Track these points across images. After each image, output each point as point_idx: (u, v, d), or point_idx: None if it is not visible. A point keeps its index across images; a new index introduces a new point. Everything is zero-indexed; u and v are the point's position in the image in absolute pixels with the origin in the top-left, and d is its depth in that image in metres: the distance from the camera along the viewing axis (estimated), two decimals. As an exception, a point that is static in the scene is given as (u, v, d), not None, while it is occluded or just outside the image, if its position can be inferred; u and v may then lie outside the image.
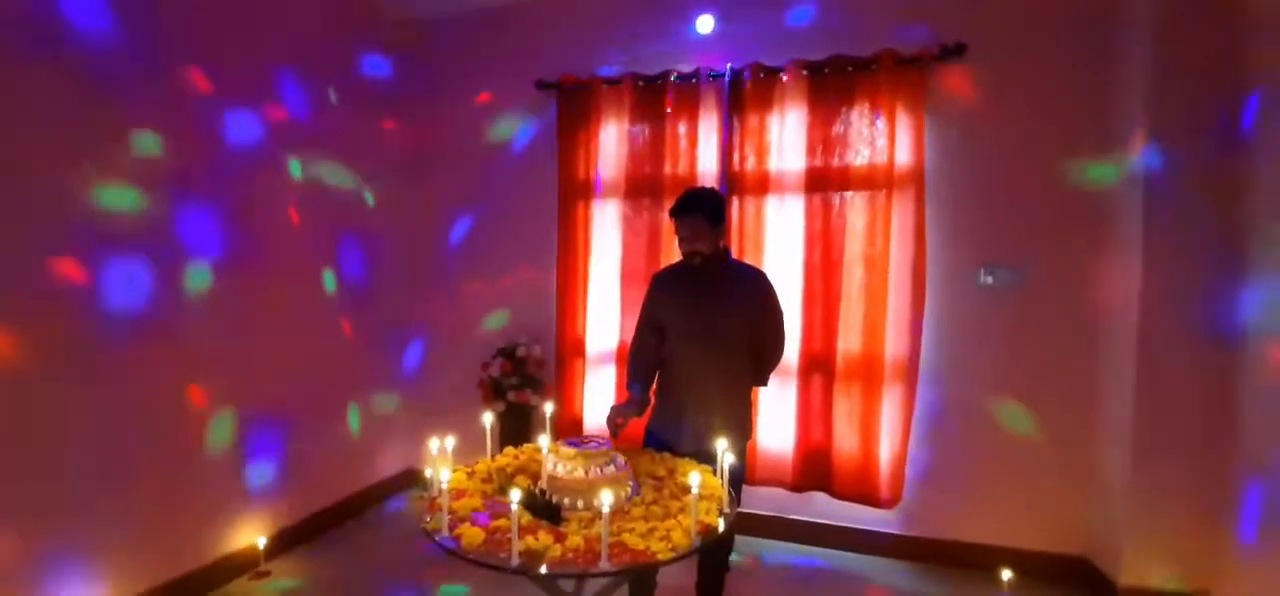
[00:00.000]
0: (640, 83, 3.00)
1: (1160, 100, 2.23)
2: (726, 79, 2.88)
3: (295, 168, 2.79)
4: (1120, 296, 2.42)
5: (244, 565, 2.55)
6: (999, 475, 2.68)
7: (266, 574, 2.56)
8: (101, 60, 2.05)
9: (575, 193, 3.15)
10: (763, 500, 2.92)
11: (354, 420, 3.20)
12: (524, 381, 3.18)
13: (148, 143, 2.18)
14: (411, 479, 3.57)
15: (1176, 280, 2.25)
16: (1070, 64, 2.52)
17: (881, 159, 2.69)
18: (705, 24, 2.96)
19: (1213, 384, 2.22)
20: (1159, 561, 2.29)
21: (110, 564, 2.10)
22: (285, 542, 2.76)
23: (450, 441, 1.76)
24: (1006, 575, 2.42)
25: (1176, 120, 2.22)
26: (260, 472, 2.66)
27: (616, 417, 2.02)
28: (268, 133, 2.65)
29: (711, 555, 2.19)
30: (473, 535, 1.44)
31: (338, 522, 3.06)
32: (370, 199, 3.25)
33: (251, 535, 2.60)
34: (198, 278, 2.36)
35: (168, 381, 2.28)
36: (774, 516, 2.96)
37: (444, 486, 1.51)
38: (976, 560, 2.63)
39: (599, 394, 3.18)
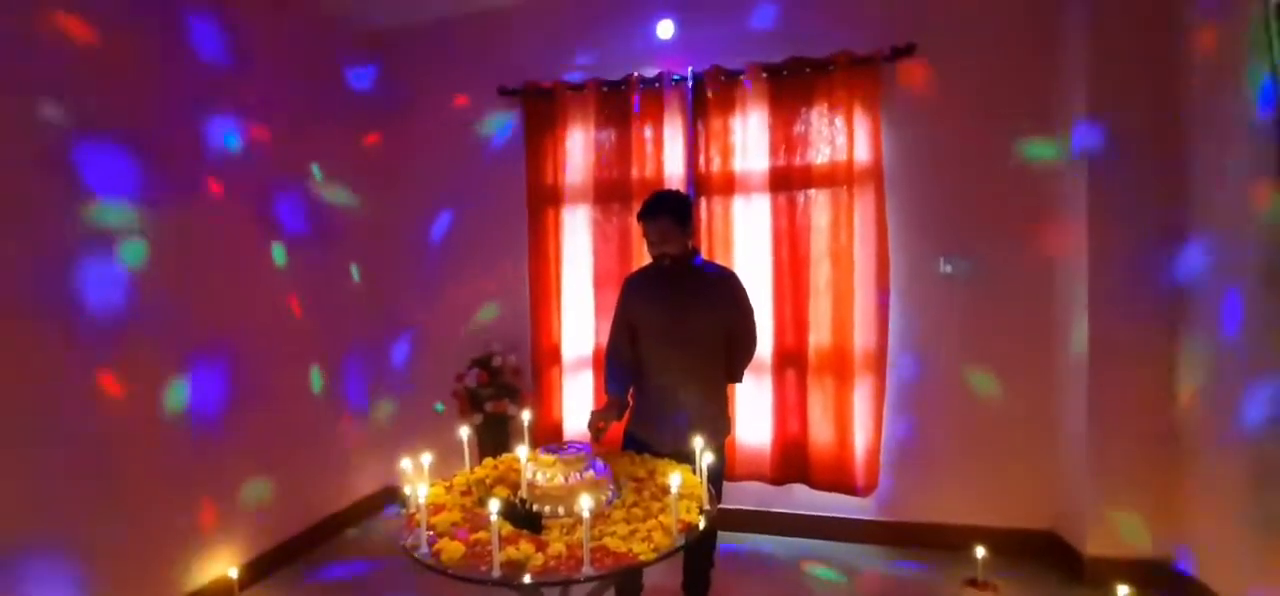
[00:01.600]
0: (604, 88, 3.02)
1: (1099, 75, 2.36)
2: (689, 83, 2.92)
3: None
4: (1072, 273, 2.54)
5: (218, 595, 2.48)
6: (968, 457, 2.78)
7: (240, 605, 2.49)
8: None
9: (544, 199, 3.15)
10: (744, 494, 2.96)
11: (325, 416, 3.11)
12: (501, 391, 3.16)
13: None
14: (391, 497, 3.50)
15: (1122, 250, 2.38)
16: (1015, 54, 2.65)
17: (841, 157, 2.77)
18: (665, 29, 3.00)
19: (1163, 362, 2.35)
20: (1121, 531, 2.41)
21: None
22: (261, 569, 2.68)
23: (426, 458, 1.75)
24: (980, 553, 2.50)
25: (1115, 94, 2.34)
26: (230, 498, 2.57)
27: (597, 422, 2.04)
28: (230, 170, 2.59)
29: (696, 552, 2.22)
30: (453, 549, 1.43)
31: (315, 545, 2.98)
32: (329, 196, 3.17)
33: (224, 565, 2.52)
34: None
35: (131, 397, 2.20)
36: (756, 510, 3.00)
37: (421, 502, 1.49)
38: (951, 540, 2.72)
39: (577, 399, 3.18)
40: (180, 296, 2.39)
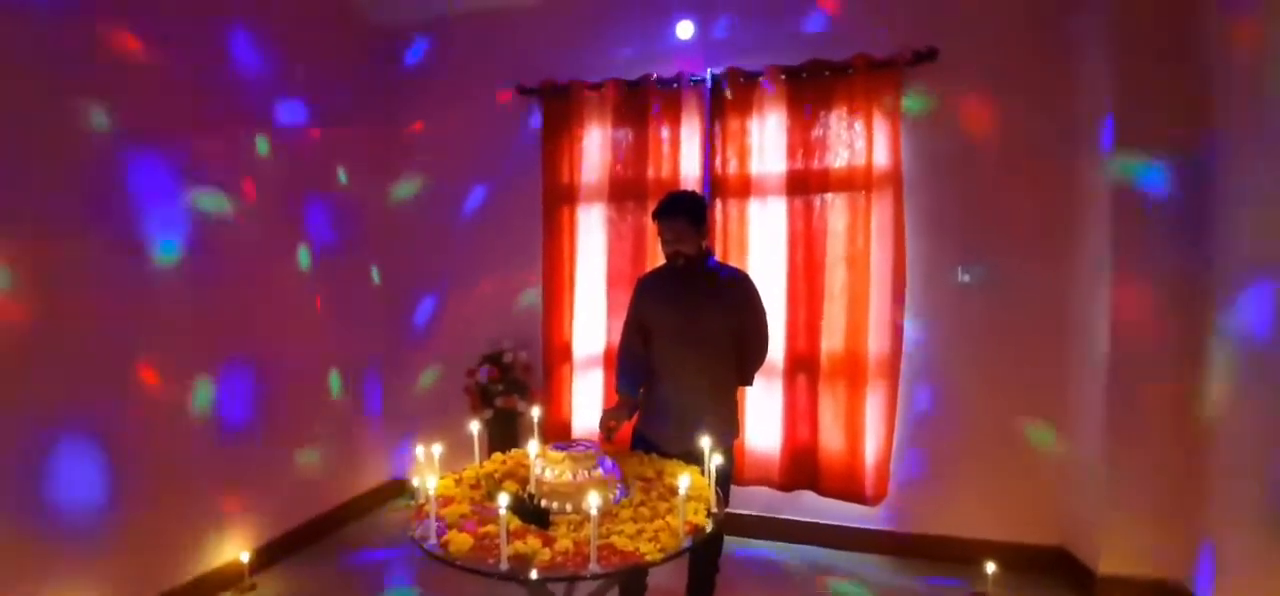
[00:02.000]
0: (622, 87, 3.02)
1: (1124, 94, 2.31)
2: (707, 84, 2.92)
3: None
4: (1092, 290, 2.49)
5: (228, 580, 2.51)
6: (979, 469, 2.73)
7: (252, 588, 2.52)
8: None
9: (560, 197, 3.16)
10: (752, 499, 2.95)
11: (339, 409, 3.16)
12: (511, 387, 3.18)
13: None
14: (398, 489, 3.54)
15: (1147, 273, 2.32)
16: (1037, 65, 2.60)
17: (860, 161, 2.74)
18: (685, 30, 3.00)
19: (1185, 375, 2.29)
20: (1136, 550, 2.35)
21: (82, 585, 2.04)
22: (270, 556, 2.72)
23: (437, 448, 1.76)
24: (990, 567, 2.47)
25: (1138, 102, 2.29)
26: (243, 485, 2.62)
27: (609, 421, 2.04)
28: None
29: (701, 555, 2.20)
30: (461, 541, 1.44)
31: (324, 534, 3.02)
32: (343, 179, 3.21)
33: (235, 550, 2.56)
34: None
35: (162, 388, 2.26)
36: (763, 516, 2.98)
37: (431, 493, 1.50)
38: (959, 553, 2.68)
39: (587, 397, 3.19)
40: (212, 295, 2.47)
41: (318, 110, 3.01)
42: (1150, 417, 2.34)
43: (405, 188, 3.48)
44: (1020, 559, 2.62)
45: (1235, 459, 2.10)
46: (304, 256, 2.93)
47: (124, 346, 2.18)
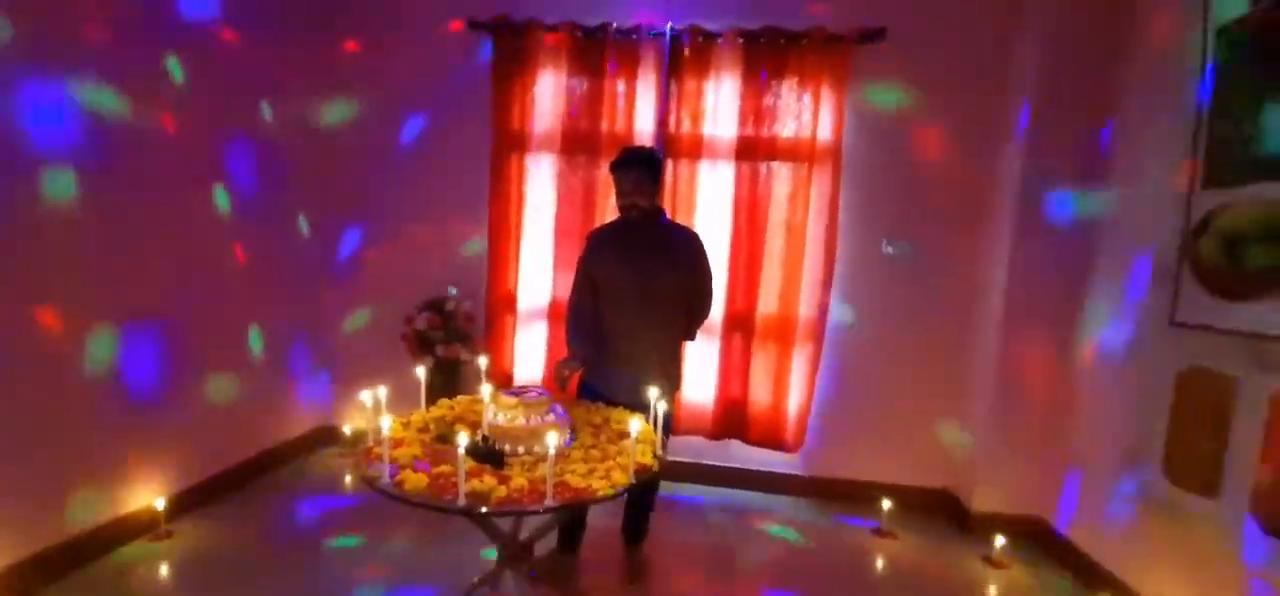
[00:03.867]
0: (579, 33, 2.95)
1: (1041, 89, 2.58)
2: (666, 39, 2.91)
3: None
4: (993, 270, 2.82)
5: (142, 527, 2.37)
6: (883, 422, 3.08)
7: (168, 534, 2.39)
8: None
9: (510, 144, 3.07)
10: (683, 447, 3.14)
11: (260, 357, 2.97)
12: (452, 335, 3.13)
13: None
14: (327, 436, 3.42)
15: (1039, 260, 2.65)
16: (974, 58, 2.82)
17: (805, 133, 2.88)
18: (647, -20, 2.96)
19: (1061, 352, 2.69)
20: (1004, 492, 2.78)
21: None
22: (188, 503, 2.57)
23: (383, 391, 1.75)
24: (886, 505, 2.82)
25: (1051, 103, 2.57)
26: (155, 426, 2.44)
27: (564, 369, 2.08)
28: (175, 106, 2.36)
29: (639, 497, 2.35)
30: (417, 480, 1.46)
31: (246, 482, 2.89)
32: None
33: (148, 496, 2.40)
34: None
35: (62, 326, 2.02)
36: (693, 463, 3.19)
37: (385, 435, 1.50)
38: (862, 494, 3.03)
39: (530, 349, 3.21)
40: (118, 235, 2.21)
41: (246, 31, 2.71)
42: (1027, 373, 2.73)
43: (337, 112, 3.24)
44: (911, 499, 3.01)
45: (1095, 408, 2.51)
46: (222, 198, 2.67)
47: (17, 288, 1.93)
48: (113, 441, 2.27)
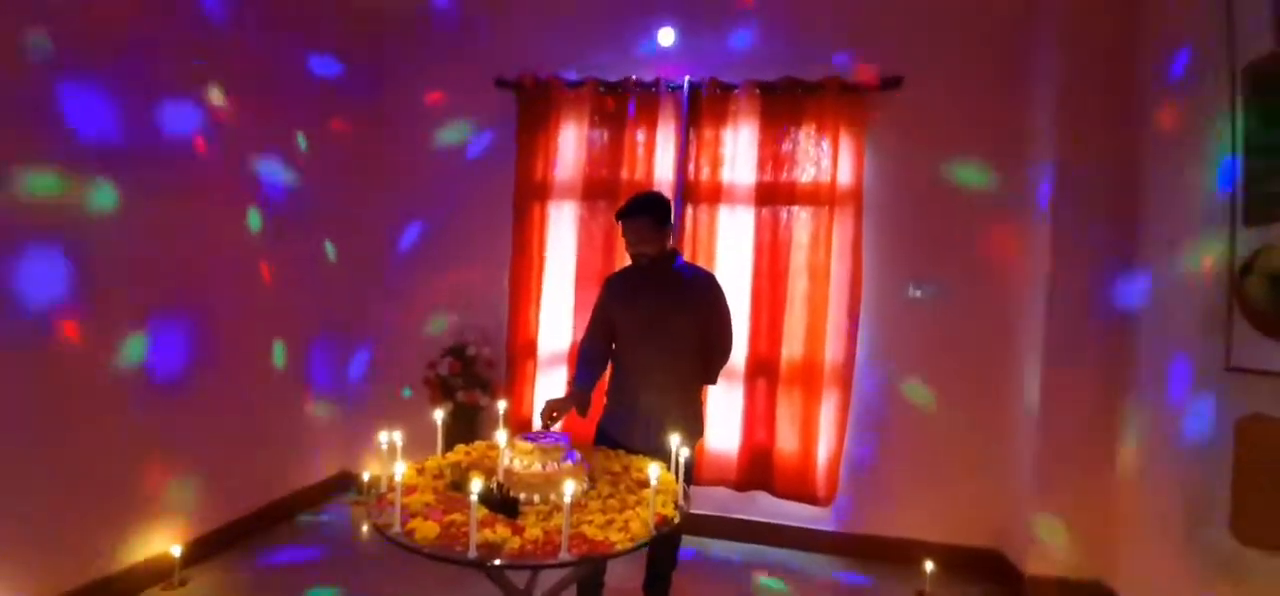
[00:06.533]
0: (601, 88, 3.05)
1: (1065, 126, 2.52)
2: (685, 91, 2.98)
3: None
4: (1031, 309, 2.69)
5: (157, 575, 2.35)
6: (922, 475, 2.91)
7: (183, 583, 2.36)
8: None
9: (532, 193, 3.14)
10: (706, 499, 3.01)
11: (281, 401, 3.00)
12: (472, 381, 3.13)
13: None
14: (345, 483, 3.40)
15: (1077, 298, 2.52)
16: (993, 97, 2.81)
17: (825, 177, 2.88)
18: (666, 37, 3.07)
19: (1108, 398, 2.51)
20: (1061, 553, 2.55)
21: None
22: (204, 550, 2.55)
23: (399, 435, 1.72)
24: (929, 567, 2.62)
25: (1077, 141, 2.50)
26: (176, 473, 2.45)
27: (552, 411, 2.03)
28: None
29: (661, 550, 2.24)
30: (427, 529, 1.41)
31: (263, 529, 2.86)
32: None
33: (165, 543, 2.39)
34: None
35: (89, 346, 2.08)
36: (717, 516, 3.05)
37: (398, 480, 1.47)
38: (901, 554, 2.83)
39: (550, 394, 3.16)
40: (150, 247, 2.29)
41: (281, 79, 2.88)
42: (1073, 422, 2.54)
43: (375, 180, 3.37)
44: (956, 560, 2.80)
45: (1153, 460, 2.32)
46: (255, 219, 2.77)
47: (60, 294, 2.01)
48: (132, 483, 2.28)
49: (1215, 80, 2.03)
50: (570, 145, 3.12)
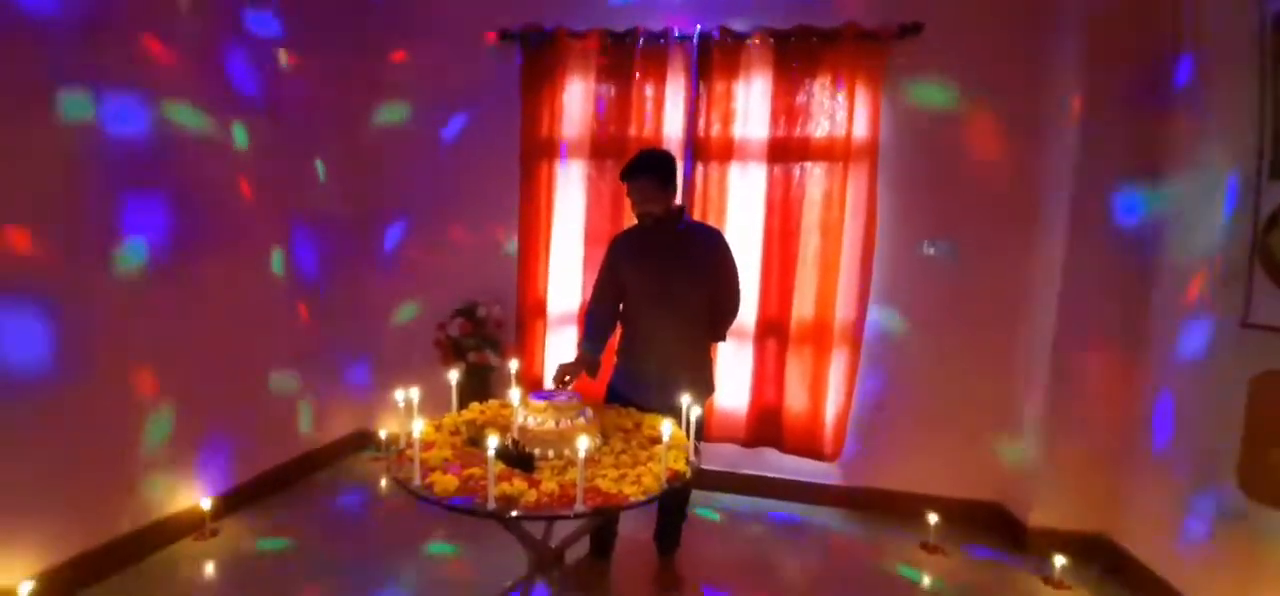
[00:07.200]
0: (608, 38, 2.95)
1: (1089, 78, 2.43)
2: (695, 41, 2.89)
3: (240, 136, 2.58)
4: (1044, 269, 2.66)
5: (188, 526, 2.45)
6: (927, 430, 2.93)
7: (214, 533, 2.47)
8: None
9: (538, 151, 3.09)
10: (715, 455, 3.06)
11: (293, 384, 3.06)
12: (483, 342, 3.16)
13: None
14: (363, 441, 3.49)
15: (1096, 258, 2.48)
16: (1015, 51, 2.69)
17: (840, 132, 2.80)
18: (675, -17, 2.95)
19: (1122, 352, 2.49)
20: (1064, 507, 2.59)
21: (35, 527, 1.95)
22: (232, 504, 2.66)
23: (416, 393, 1.75)
24: (933, 519, 2.67)
25: (1102, 94, 2.41)
26: (204, 430, 2.53)
27: (563, 374, 2.06)
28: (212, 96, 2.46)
29: (671, 504, 2.30)
30: (446, 482, 1.46)
31: (288, 484, 2.97)
32: (320, 169, 3.07)
33: (195, 495, 2.49)
34: (133, 255, 2.18)
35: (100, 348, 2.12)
36: (725, 471, 3.11)
37: (416, 436, 1.51)
38: (906, 507, 2.88)
39: (560, 354, 3.20)
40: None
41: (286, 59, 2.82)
42: (1086, 375, 2.53)
43: (379, 134, 3.32)
44: (959, 512, 2.85)
45: (1162, 414, 2.32)
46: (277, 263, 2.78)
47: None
48: (161, 442, 2.36)
49: (1245, 30, 1.94)
50: (577, 100, 3.05)
